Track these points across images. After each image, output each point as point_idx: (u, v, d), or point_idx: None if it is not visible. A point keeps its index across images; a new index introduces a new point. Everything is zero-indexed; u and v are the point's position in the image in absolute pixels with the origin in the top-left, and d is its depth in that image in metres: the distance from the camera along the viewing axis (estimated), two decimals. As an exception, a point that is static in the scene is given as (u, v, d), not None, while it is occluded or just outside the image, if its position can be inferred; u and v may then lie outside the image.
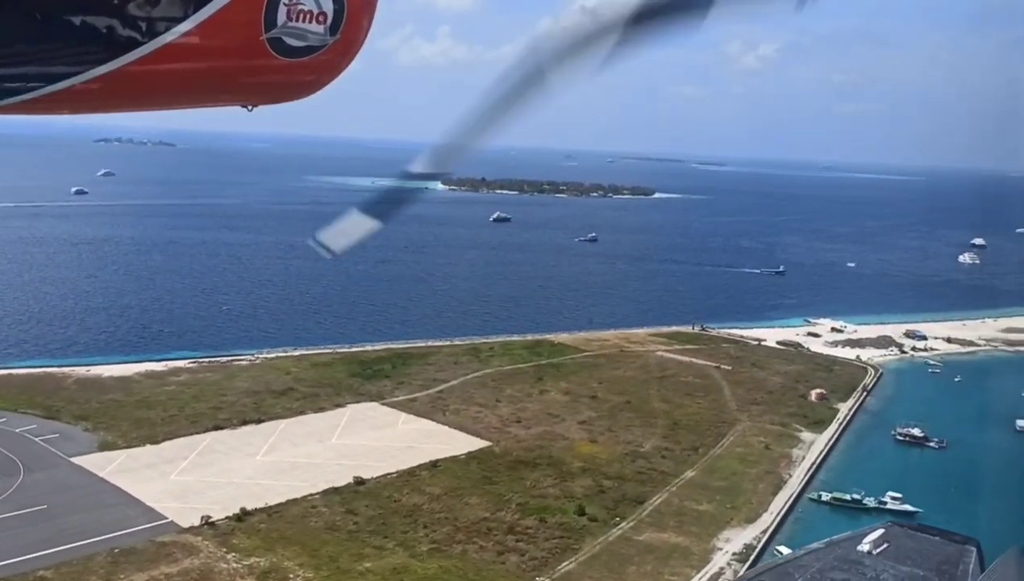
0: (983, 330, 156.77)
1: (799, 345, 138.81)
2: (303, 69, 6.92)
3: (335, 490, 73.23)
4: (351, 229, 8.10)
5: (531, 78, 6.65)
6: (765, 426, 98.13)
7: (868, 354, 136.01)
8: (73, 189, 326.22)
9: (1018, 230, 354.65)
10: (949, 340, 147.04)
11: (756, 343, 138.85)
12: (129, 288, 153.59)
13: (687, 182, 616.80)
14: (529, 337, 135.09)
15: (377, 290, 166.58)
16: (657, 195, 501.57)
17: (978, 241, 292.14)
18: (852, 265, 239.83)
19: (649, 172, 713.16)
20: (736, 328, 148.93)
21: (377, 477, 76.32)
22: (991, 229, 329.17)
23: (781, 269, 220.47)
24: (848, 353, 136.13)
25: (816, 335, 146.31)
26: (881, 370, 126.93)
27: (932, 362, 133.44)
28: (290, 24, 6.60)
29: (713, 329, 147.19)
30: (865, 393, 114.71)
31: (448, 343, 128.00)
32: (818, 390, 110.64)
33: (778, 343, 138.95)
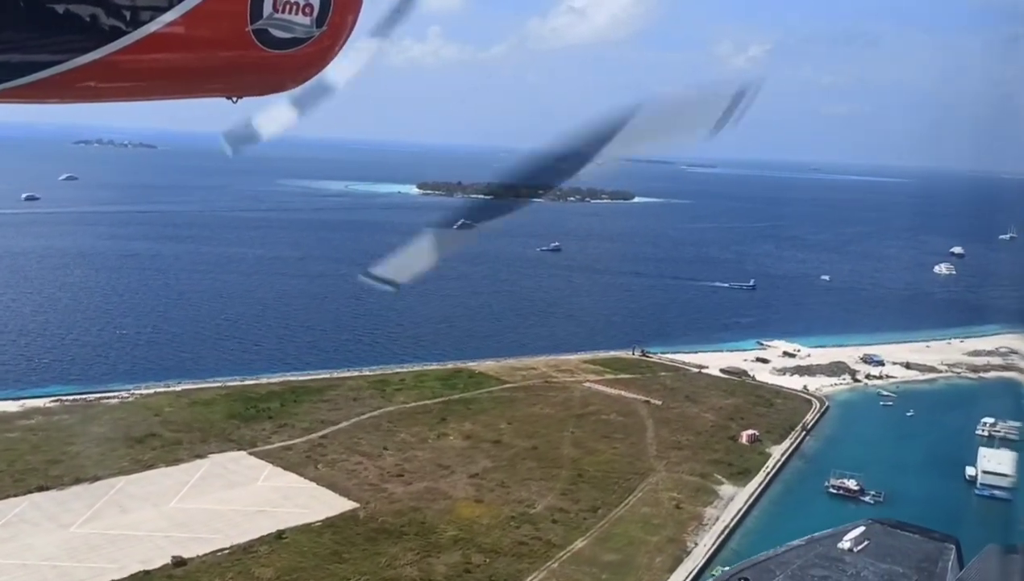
0: (947, 353, 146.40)
1: (744, 373, 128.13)
2: (289, 61, 6.78)
3: (145, 575, 62.38)
4: (419, 256, 7.25)
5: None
6: (682, 477, 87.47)
7: (817, 383, 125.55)
8: (24, 195, 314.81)
9: (1001, 237, 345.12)
10: (908, 366, 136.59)
11: (697, 371, 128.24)
12: (26, 310, 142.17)
13: (671, 185, 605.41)
14: (449, 365, 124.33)
15: (301, 310, 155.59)
16: (637, 199, 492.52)
17: (957, 249, 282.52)
18: (827, 278, 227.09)
19: (635, 174, 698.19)
20: (681, 353, 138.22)
21: (203, 555, 65.42)
22: (975, 235, 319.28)
23: (752, 283, 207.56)
24: (796, 382, 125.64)
25: (765, 361, 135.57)
26: (828, 403, 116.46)
27: (885, 392, 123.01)
28: (276, 15, 6.49)
29: (655, 354, 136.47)
30: (804, 433, 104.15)
31: (356, 374, 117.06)
32: (750, 431, 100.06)
33: (721, 371, 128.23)
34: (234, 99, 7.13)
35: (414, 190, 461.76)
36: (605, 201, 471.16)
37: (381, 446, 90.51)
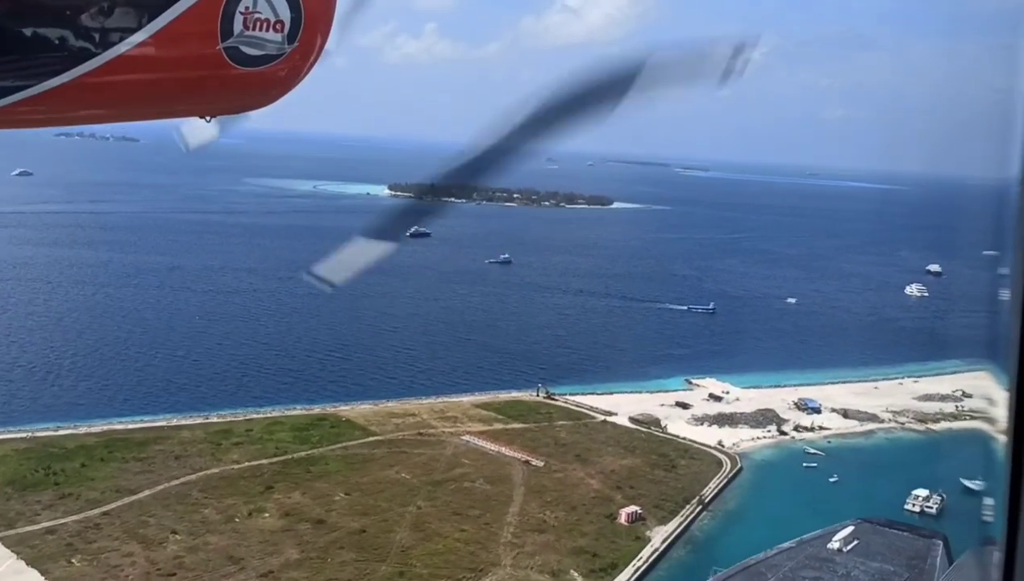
0: (895, 396, 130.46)
1: (656, 422, 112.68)
2: (261, 78, 6.73)
3: None
4: (355, 256, 7.35)
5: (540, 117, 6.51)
6: (529, 576, 72.08)
7: (737, 436, 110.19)
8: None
9: (985, 252, 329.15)
10: (846, 414, 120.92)
11: (602, 420, 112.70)
12: None
13: (657, 190, 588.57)
14: (316, 409, 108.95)
15: (182, 335, 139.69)
16: (615, 205, 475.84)
17: (933, 267, 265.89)
18: (792, 301, 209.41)
19: (625, 177, 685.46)
20: (595, 394, 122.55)
21: None
22: (958, 250, 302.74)
23: (712, 306, 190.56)
24: (713, 434, 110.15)
25: (685, 406, 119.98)
26: (741, 464, 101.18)
27: (811, 450, 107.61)
28: (247, 33, 6.42)
29: (562, 396, 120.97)
30: (701, 508, 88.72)
31: (199, 421, 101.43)
32: (631, 508, 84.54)
33: (630, 419, 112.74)
34: (207, 118, 6.95)
35: (385, 191, 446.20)
36: (582, 206, 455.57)
37: (171, 528, 75.03)
